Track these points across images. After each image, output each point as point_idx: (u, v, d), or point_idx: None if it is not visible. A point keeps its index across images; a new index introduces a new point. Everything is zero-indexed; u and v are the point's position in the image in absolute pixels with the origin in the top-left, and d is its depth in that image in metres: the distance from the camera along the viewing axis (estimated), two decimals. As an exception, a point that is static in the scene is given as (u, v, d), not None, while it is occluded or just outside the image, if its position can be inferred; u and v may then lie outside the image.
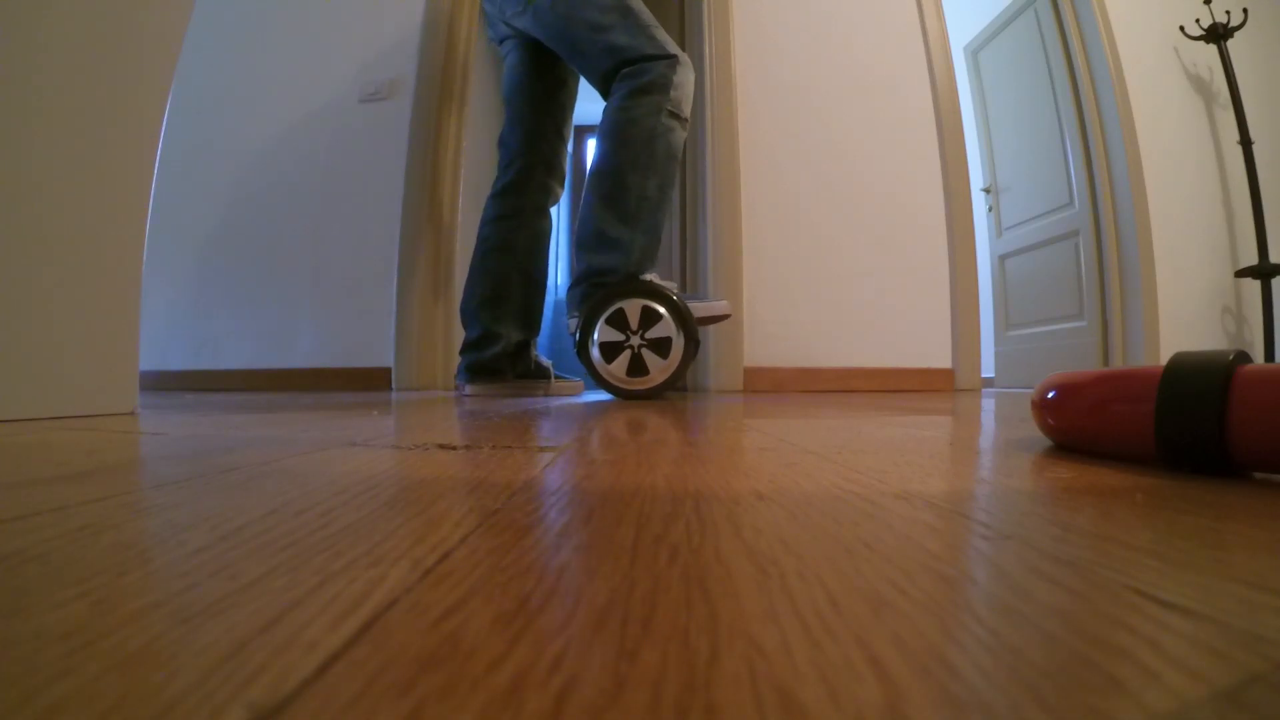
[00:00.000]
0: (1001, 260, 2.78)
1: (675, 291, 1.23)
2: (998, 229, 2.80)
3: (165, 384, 1.92)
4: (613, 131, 1.24)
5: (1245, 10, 2.21)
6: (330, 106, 2.01)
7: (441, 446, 0.41)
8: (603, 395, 1.36)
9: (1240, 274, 2.18)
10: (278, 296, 1.95)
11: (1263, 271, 2.08)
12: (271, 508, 0.22)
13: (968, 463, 0.36)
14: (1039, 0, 2.42)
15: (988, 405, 1.04)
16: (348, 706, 0.09)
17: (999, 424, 0.64)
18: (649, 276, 1.24)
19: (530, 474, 0.30)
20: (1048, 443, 0.43)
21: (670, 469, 0.32)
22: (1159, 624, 0.12)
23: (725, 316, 1.35)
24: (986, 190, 2.82)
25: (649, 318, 1.20)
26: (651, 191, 1.23)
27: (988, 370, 2.44)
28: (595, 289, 1.24)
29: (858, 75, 2.06)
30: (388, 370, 1.87)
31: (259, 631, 0.12)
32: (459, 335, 2.06)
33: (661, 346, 1.20)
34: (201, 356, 1.95)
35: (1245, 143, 2.14)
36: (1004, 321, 2.77)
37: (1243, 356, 0.29)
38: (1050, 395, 0.39)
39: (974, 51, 2.88)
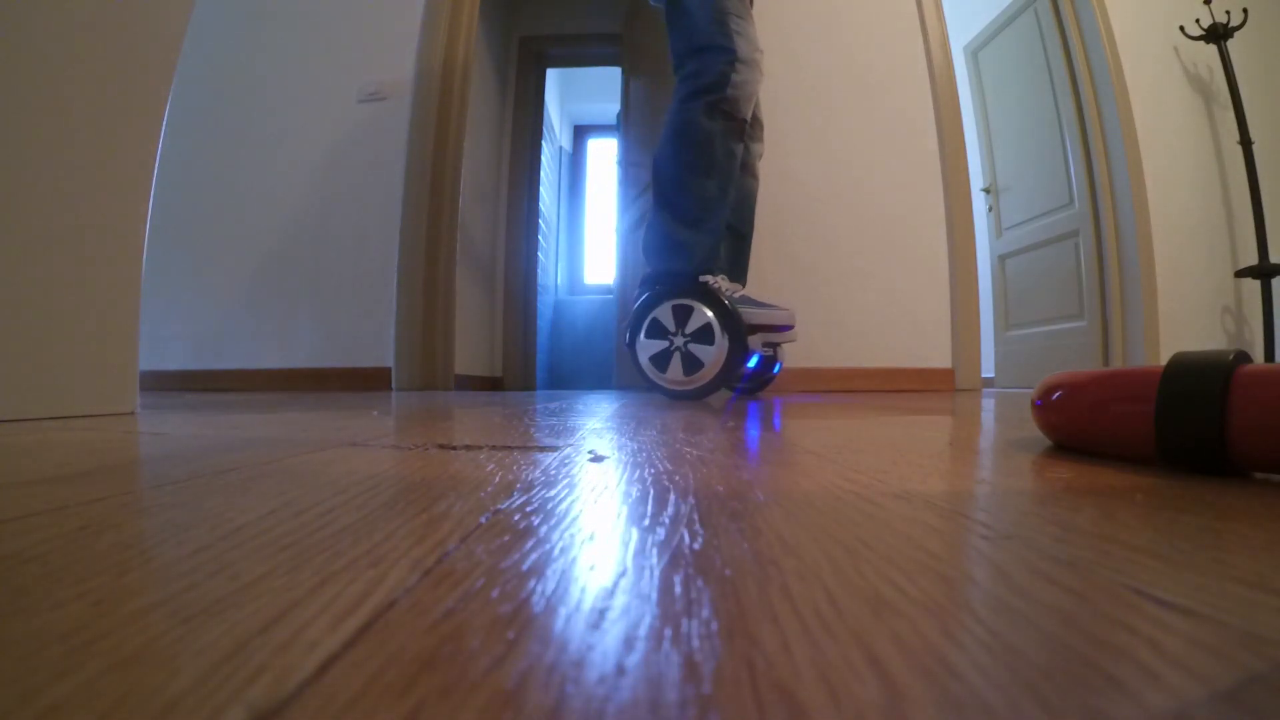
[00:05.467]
0: (1001, 260, 2.78)
1: (729, 295, 1.21)
2: (998, 229, 2.80)
3: (165, 384, 1.92)
4: (672, 135, 1.24)
5: (1245, 10, 2.21)
6: (329, 107, 2.00)
7: (441, 446, 0.41)
8: (603, 395, 1.36)
9: (1240, 274, 2.18)
10: (278, 296, 1.95)
11: (1263, 271, 2.08)
12: (271, 508, 0.22)
13: (968, 463, 0.36)
14: (1039, 0, 2.42)
15: (988, 405, 1.04)
16: (348, 706, 0.09)
17: (999, 424, 0.64)
18: (714, 279, 1.22)
19: (530, 474, 0.30)
20: (1048, 443, 0.43)
21: (670, 468, 0.32)
22: (1159, 624, 0.12)
23: (784, 328, 1.30)
24: (986, 190, 2.82)
25: (687, 315, 1.19)
26: (713, 192, 1.22)
27: (988, 370, 2.44)
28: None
29: (858, 75, 2.06)
30: (388, 370, 1.87)
31: (259, 631, 0.12)
32: (459, 335, 2.06)
33: (706, 338, 1.18)
34: (201, 356, 1.95)
35: (1245, 143, 2.14)
36: (1004, 321, 2.77)
37: (1243, 356, 0.29)
38: (1050, 395, 0.39)
39: (974, 51, 2.88)
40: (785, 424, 0.63)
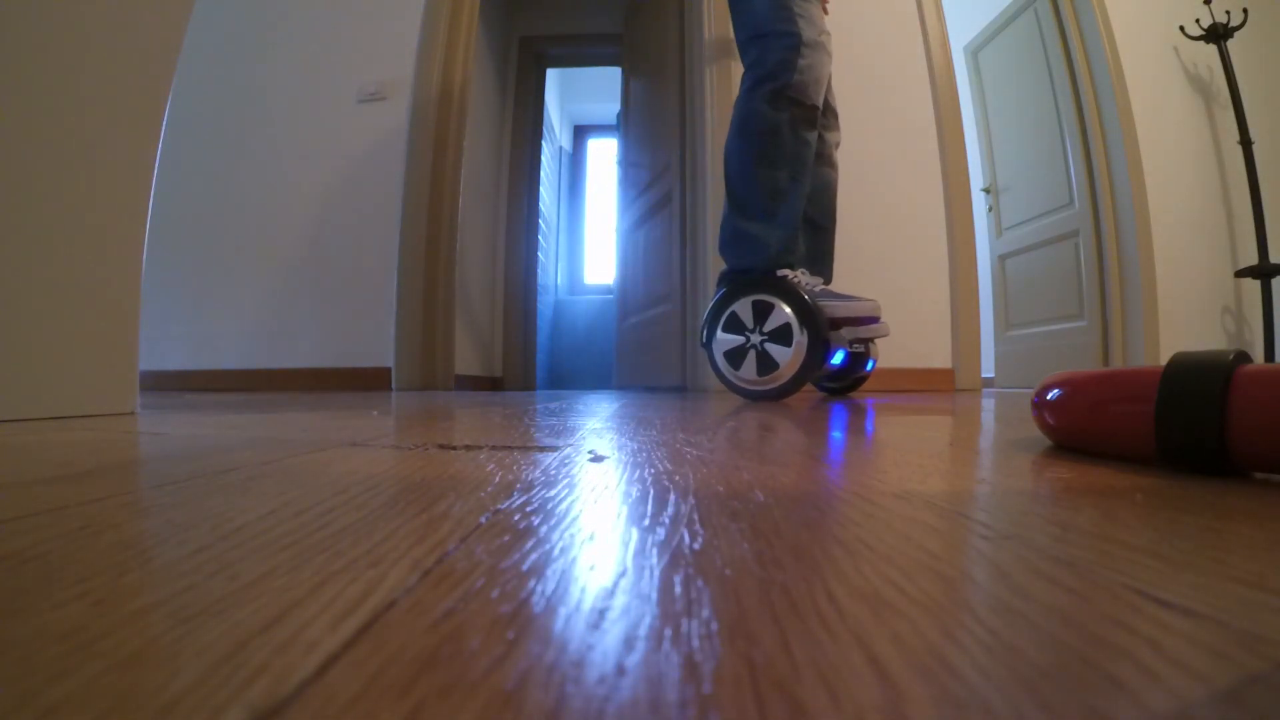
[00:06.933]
0: (1001, 260, 2.78)
1: (809, 289, 1.16)
2: (998, 229, 2.80)
3: (165, 384, 1.92)
4: (739, 128, 1.20)
5: (1245, 10, 2.21)
6: (329, 107, 2.01)
7: (441, 446, 0.41)
8: (603, 395, 1.36)
9: (1240, 274, 2.18)
10: (278, 296, 1.95)
11: (1263, 271, 2.08)
12: (271, 508, 0.22)
13: (968, 463, 0.36)
14: (1039, 0, 2.41)
15: (988, 405, 1.04)
16: (348, 706, 0.09)
17: (999, 424, 0.64)
18: (794, 273, 1.18)
19: (530, 474, 0.30)
20: (1048, 443, 0.43)
21: (670, 468, 0.32)
22: (1159, 624, 0.12)
23: (870, 320, 1.23)
24: (986, 190, 2.82)
25: (762, 311, 1.13)
26: (783, 183, 1.17)
27: (988, 370, 2.44)
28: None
29: (858, 75, 2.06)
30: (388, 370, 1.87)
31: (259, 631, 0.12)
32: (459, 335, 2.06)
33: (783, 335, 1.11)
34: (201, 356, 1.95)
35: (1245, 143, 2.14)
36: (1004, 321, 2.77)
37: (1243, 356, 0.29)
38: (1050, 395, 0.39)
39: (974, 51, 2.88)
40: (785, 424, 0.63)
